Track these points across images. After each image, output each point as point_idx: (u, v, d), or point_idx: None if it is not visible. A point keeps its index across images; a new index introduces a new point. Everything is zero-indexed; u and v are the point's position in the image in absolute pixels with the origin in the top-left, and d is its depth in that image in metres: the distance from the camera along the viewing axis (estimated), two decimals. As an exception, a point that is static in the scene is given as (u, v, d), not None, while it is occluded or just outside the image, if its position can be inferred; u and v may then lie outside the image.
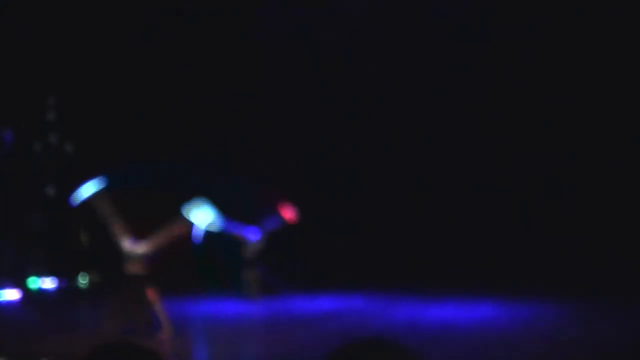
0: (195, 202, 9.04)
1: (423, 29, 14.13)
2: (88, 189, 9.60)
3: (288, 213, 11.98)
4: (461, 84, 13.95)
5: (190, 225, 9.11)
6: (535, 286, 12.45)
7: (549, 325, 9.44)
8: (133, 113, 15.01)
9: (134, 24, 14.89)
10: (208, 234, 10.32)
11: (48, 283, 13.56)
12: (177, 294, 12.60)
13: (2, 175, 14.50)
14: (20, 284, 13.18)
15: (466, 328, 9.37)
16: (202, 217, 9.05)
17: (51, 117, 15.20)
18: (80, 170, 14.83)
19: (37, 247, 14.15)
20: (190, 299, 12.25)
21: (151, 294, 8.95)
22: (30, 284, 13.50)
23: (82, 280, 14.39)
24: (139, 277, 8.99)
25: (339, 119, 14.58)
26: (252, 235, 12.05)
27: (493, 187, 13.89)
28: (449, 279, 13.08)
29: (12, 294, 12.62)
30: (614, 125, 13.22)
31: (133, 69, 14.88)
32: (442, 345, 8.29)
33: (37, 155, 14.99)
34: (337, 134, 14.64)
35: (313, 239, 12.09)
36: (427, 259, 13.69)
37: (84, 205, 12.58)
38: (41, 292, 13.43)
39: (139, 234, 9.01)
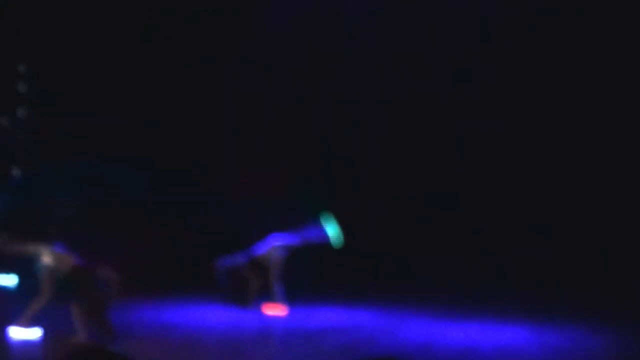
0: None
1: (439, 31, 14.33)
2: None
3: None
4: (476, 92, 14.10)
5: None
6: (571, 309, 12.26)
7: (585, 356, 9.31)
8: (117, 86, 14.89)
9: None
10: None
11: (5, 280, 13.18)
12: (162, 298, 12.48)
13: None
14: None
15: (489, 354, 9.23)
16: None
17: (21, 88, 15.03)
18: (53, 149, 14.83)
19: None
20: (178, 305, 12.06)
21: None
22: None
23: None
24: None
25: (347, 126, 14.64)
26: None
27: (525, 196, 13.89)
28: (472, 296, 12.90)
29: None
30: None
31: (118, 33, 14.79)
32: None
33: (4, 132, 14.88)
34: (343, 141, 14.68)
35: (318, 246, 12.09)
36: (447, 273, 13.58)
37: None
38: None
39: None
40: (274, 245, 11.84)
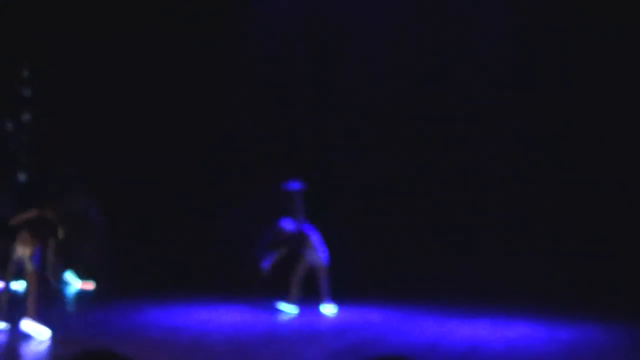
0: None
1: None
2: None
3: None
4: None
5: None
6: (581, 304, 12.41)
7: (595, 352, 9.42)
8: (123, 89, 15.00)
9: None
10: None
11: (18, 285, 13.33)
12: (168, 300, 12.65)
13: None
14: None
15: (496, 350, 9.33)
16: None
17: (26, 93, 15.20)
18: (57, 153, 14.95)
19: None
20: (184, 307, 12.18)
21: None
22: None
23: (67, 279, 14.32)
24: None
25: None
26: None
27: (531, 192, 13.91)
28: (479, 292, 13.01)
29: None
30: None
31: (123, 35, 14.87)
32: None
33: (9, 136, 15.00)
34: (345, 139, 14.76)
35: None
36: (453, 270, 13.62)
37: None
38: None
39: None
40: (311, 243, 11.83)
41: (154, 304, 12.31)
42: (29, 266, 9.75)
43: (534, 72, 13.91)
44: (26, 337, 9.53)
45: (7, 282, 10.22)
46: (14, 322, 9.90)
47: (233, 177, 14.98)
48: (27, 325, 9.65)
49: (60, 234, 10.04)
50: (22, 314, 9.73)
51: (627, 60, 13.37)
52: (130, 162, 14.73)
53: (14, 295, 10.63)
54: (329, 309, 11.80)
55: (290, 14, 14.97)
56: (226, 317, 11.38)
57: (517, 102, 13.98)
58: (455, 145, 14.28)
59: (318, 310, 11.81)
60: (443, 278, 13.42)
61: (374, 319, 11.47)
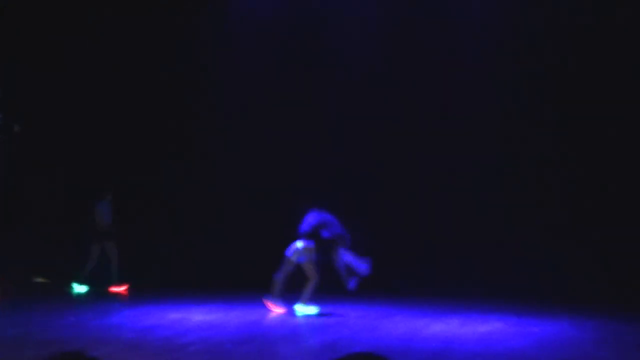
0: None
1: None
2: None
3: None
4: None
5: None
6: (555, 299, 12.58)
7: (571, 346, 9.60)
8: (97, 86, 15.00)
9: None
10: None
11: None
12: (142, 302, 12.69)
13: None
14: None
15: (470, 346, 9.47)
16: None
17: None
18: (29, 155, 14.95)
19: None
20: (158, 309, 12.19)
21: None
22: None
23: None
24: None
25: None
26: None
27: (511, 189, 14.04)
28: (453, 289, 13.14)
29: None
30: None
31: (96, 32, 14.86)
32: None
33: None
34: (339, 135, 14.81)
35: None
36: (427, 267, 13.71)
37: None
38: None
39: None
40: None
41: (127, 305, 12.33)
42: None
43: (534, 71, 13.96)
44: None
45: None
46: None
47: (224, 178, 14.98)
48: None
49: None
50: None
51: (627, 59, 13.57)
52: (111, 161, 14.79)
53: None
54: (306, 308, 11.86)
55: (281, 14, 14.97)
56: (200, 317, 11.39)
57: (517, 101, 14.04)
58: (443, 143, 14.30)
59: (291, 308, 11.84)
60: (420, 276, 13.51)
61: (349, 317, 11.53)
